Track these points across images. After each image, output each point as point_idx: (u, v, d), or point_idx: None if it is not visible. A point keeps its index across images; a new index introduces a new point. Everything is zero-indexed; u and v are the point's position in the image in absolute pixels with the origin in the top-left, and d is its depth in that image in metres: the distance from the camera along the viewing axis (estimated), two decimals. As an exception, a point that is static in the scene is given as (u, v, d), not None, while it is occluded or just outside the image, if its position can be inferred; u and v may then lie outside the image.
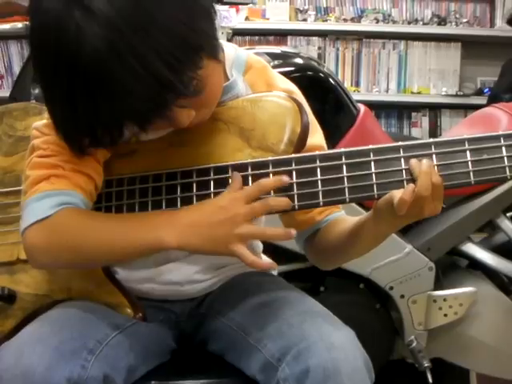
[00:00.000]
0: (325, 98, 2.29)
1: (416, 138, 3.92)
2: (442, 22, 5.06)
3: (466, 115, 4.86)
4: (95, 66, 1.09)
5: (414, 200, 1.18)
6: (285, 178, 1.23)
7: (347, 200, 1.24)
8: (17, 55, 4.96)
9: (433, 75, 5.10)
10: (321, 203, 1.25)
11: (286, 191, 1.24)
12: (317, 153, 1.26)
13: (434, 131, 5.10)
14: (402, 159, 1.22)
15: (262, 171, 1.26)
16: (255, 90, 1.39)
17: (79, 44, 1.08)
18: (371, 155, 1.23)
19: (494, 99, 3.71)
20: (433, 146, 1.23)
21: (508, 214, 2.44)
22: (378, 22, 5.06)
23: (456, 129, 2.90)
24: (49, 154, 1.30)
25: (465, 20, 5.07)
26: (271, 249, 1.62)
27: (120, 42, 1.08)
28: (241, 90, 1.38)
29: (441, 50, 5.08)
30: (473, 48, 5.04)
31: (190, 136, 1.31)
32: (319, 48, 5.09)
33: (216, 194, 1.26)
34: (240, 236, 1.21)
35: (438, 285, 2.42)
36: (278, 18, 5.04)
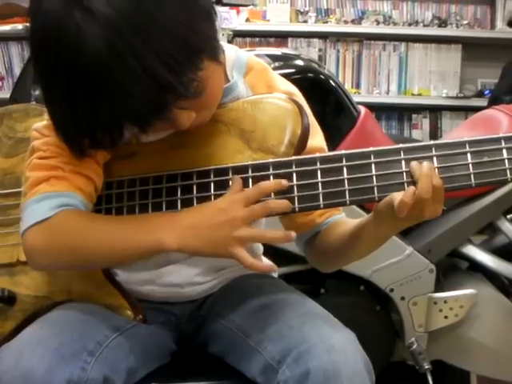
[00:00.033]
0: (325, 99, 2.29)
1: (417, 140, 3.92)
2: (443, 23, 5.06)
3: (466, 117, 4.86)
4: (95, 66, 1.09)
5: (414, 202, 1.18)
6: (284, 182, 1.23)
7: (348, 202, 1.24)
8: (17, 56, 4.96)
9: (433, 77, 5.10)
10: (321, 205, 1.25)
11: (286, 193, 1.24)
12: (317, 155, 1.26)
13: (434, 133, 5.10)
14: (403, 161, 1.22)
15: (262, 173, 1.26)
16: (256, 91, 1.39)
17: (79, 45, 1.08)
18: (372, 157, 1.23)
19: (494, 101, 3.70)
20: (433, 148, 1.22)
21: (508, 216, 2.44)
22: (378, 23, 5.06)
23: (456, 131, 2.89)
24: (49, 156, 1.30)
25: (465, 22, 5.07)
26: (272, 251, 1.61)
27: (120, 42, 1.08)
28: (241, 91, 1.38)
29: (441, 52, 5.08)
30: (473, 50, 5.04)
31: (191, 138, 1.31)
32: (320, 50, 5.09)
33: (216, 195, 1.26)
34: (239, 238, 1.20)
35: (439, 287, 2.42)
36: (279, 19, 5.04)
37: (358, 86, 5.14)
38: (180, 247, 1.22)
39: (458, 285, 2.45)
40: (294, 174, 1.25)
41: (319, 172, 1.24)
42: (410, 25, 5.11)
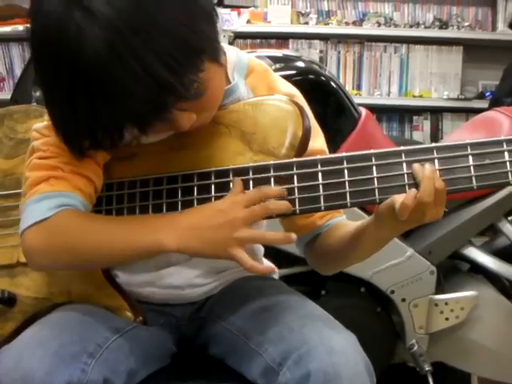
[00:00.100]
0: (326, 101, 2.29)
1: (418, 142, 3.92)
2: (444, 25, 5.06)
3: (467, 119, 4.87)
4: (95, 67, 1.09)
5: (416, 205, 1.18)
6: (285, 192, 1.23)
7: (349, 205, 1.24)
8: (18, 57, 4.96)
9: (434, 79, 5.09)
10: (322, 208, 1.24)
11: (287, 195, 1.24)
12: (318, 157, 1.26)
13: (435, 135, 5.10)
14: (404, 164, 1.22)
15: (263, 175, 1.26)
16: (257, 93, 1.39)
17: (79, 45, 1.08)
18: (373, 160, 1.23)
19: (495, 103, 3.71)
20: (435, 151, 1.22)
21: (509, 218, 2.44)
22: (379, 25, 5.06)
23: (457, 133, 2.89)
24: (48, 156, 1.30)
25: (466, 24, 5.06)
26: (272, 252, 1.61)
27: (120, 43, 1.08)
28: (242, 93, 1.37)
29: (442, 54, 5.08)
30: (474, 52, 5.04)
31: (191, 139, 1.31)
32: (321, 51, 5.09)
33: (217, 197, 1.26)
34: (239, 240, 1.20)
35: (440, 288, 2.42)
36: (280, 21, 5.03)
37: (358, 87, 5.14)
38: (179, 248, 1.21)
39: (458, 287, 2.45)
40: (295, 176, 1.25)
41: (320, 174, 1.24)
42: (411, 26, 5.11)
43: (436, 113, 5.12)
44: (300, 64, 2.39)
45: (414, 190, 1.18)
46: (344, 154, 1.25)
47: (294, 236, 1.21)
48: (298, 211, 1.24)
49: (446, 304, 2.39)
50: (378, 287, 2.37)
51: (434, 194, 1.18)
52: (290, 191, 1.24)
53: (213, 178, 1.28)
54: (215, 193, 1.27)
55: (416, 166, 1.21)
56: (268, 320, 1.30)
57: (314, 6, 5.17)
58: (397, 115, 5.17)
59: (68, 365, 1.15)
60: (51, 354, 1.15)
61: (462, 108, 5.00)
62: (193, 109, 1.21)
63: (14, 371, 1.15)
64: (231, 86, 1.37)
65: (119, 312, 1.34)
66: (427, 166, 1.20)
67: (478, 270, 2.51)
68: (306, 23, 5.08)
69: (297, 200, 1.24)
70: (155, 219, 1.26)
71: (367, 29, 5.05)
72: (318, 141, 1.39)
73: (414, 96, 5.09)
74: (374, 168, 1.23)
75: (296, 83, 1.46)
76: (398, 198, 1.19)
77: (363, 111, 2.41)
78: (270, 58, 2.16)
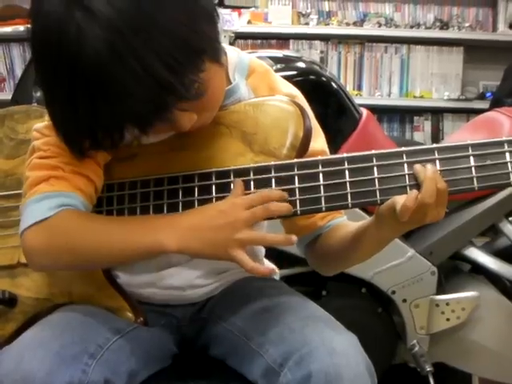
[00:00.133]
0: (327, 102, 2.29)
1: (418, 143, 3.92)
2: (445, 26, 5.06)
3: (468, 119, 4.87)
4: (96, 67, 1.09)
5: (417, 207, 1.17)
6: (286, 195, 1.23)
7: (350, 205, 1.23)
8: (19, 58, 4.97)
9: (435, 79, 5.09)
10: (323, 208, 1.24)
11: (288, 196, 1.23)
12: (319, 158, 1.26)
13: (436, 135, 5.10)
14: (405, 164, 1.22)
15: (264, 176, 1.25)
16: (258, 94, 1.38)
17: (80, 46, 1.08)
18: (374, 160, 1.23)
19: (496, 103, 3.71)
20: (436, 152, 1.22)
21: (510, 219, 2.43)
22: (380, 26, 5.06)
23: (458, 133, 2.90)
24: (49, 156, 1.30)
25: (467, 24, 5.07)
26: (273, 253, 1.61)
27: (121, 43, 1.08)
28: (243, 93, 1.37)
29: (443, 54, 5.08)
30: (475, 52, 5.04)
31: (192, 140, 1.31)
32: (321, 52, 5.09)
33: (218, 198, 1.26)
34: (240, 241, 1.20)
35: (441, 289, 2.42)
36: (281, 21, 5.04)
37: (359, 88, 5.14)
38: (179, 248, 1.21)
39: (460, 287, 2.45)
40: (296, 177, 1.24)
41: (321, 175, 1.24)
42: (411, 27, 5.11)
43: (437, 113, 5.12)
44: (301, 64, 2.39)
45: (415, 191, 1.18)
46: (345, 154, 1.25)
47: (294, 238, 1.21)
48: (298, 212, 1.24)
49: (447, 304, 2.39)
50: (378, 288, 2.37)
51: (436, 195, 1.18)
52: (291, 192, 1.24)
53: (213, 178, 1.28)
54: (216, 193, 1.27)
55: (418, 166, 1.21)
56: (269, 321, 1.30)
57: (315, 6, 5.17)
58: (397, 116, 5.17)
59: (69, 366, 1.15)
60: (52, 355, 1.15)
61: (462, 108, 5.00)
62: (193, 109, 1.21)
63: (14, 372, 1.15)
64: (232, 86, 1.36)
65: (120, 313, 1.34)
66: (429, 166, 1.20)
67: (479, 270, 2.51)
68: (307, 24, 5.08)
69: (298, 201, 1.24)
70: (155, 219, 1.26)
71: (368, 29, 5.05)
72: (318, 141, 1.39)
73: (414, 96, 5.09)
74: (375, 169, 1.23)
75: (297, 84, 1.46)
76: (399, 199, 1.18)
77: (364, 112, 2.41)
78: (271, 58, 2.17)
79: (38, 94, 2.59)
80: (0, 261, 1.46)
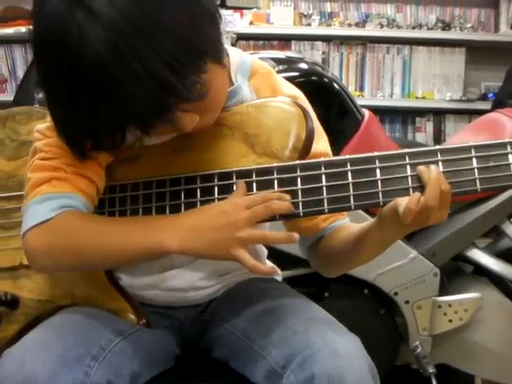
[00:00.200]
0: (329, 103, 2.29)
1: (421, 144, 3.92)
2: (447, 27, 5.06)
3: (470, 120, 4.87)
4: (97, 68, 1.09)
5: (420, 209, 1.17)
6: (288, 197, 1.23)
7: (352, 207, 1.23)
8: (20, 59, 4.97)
9: (437, 80, 5.10)
10: (326, 210, 1.24)
11: (290, 198, 1.23)
12: (322, 159, 1.26)
13: (438, 136, 5.10)
14: (408, 166, 1.22)
15: (266, 177, 1.25)
16: (260, 95, 1.38)
17: (81, 47, 1.08)
18: (377, 162, 1.23)
19: (498, 104, 3.70)
20: (439, 153, 1.22)
21: (513, 220, 2.43)
22: (382, 26, 5.07)
23: (461, 134, 2.89)
24: (50, 157, 1.29)
25: (469, 25, 5.07)
26: (276, 254, 1.61)
27: (123, 44, 1.08)
28: (245, 95, 1.37)
29: (445, 55, 5.08)
30: (477, 53, 5.04)
31: (194, 141, 1.31)
32: (323, 53, 5.10)
33: (220, 200, 1.26)
34: (241, 240, 1.20)
35: (443, 290, 2.42)
36: (282, 22, 5.04)
37: (361, 89, 5.14)
38: (181, 249, 1.21)
39: (462, 288, 2.45)
40: (299, 179, 1.24)
41: (324, 177, 1.24)
42: (413, 28, 5.11)
43: (439, 114, 5.13)
44: (303, 66, 2.39)
45: (417, 194, 1.18)
46: (348, 156, 1.24)
47: (296, 236, 1.21)
48: (301, 214, 1.24)
49: (450, 306, 2.39)
50: (381, 289, 2.37)
51: (439, 197, 1.18)
52: (294, 193, 1.24)
53: (216, 180, 1.28)
54: (218, 195, 1.27)
55: (422, 167, 1.20)
56: (272, 323, 1.29)
57: (317, 7, 5.17)
58: (399, 117, 5.17)
59: (71, 368, 1.15)
60: (55, 357, 1.15)
61: (464, 109, 5.01)
62: (195, 110, 1.21)
63: (16, 374, 1.14)
64: (234, 87, 1.36)
65: (122, 315, 1.34)
66: (433, 167, 1.20)
67: (481, 271, 2.51)
68: (309, 24, 5.09)
69: (300, 203, 1.24)
70: (157, 220, 1.26)
71: (370, 30, 5.05)
72: (321, 143, 1.39)
73: (416, 97, 5.09)
74: (378, 170, 1.22)
75: (299, 85, 1.45)
76: (402, 201, 1.18)
77: (366, 113, 2.41)
78: (273, 59, 2.17)
79: (40, 95, 2.59)
80: (2, 262, 1.46)
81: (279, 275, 1.58)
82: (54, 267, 1.31)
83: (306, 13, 5.13)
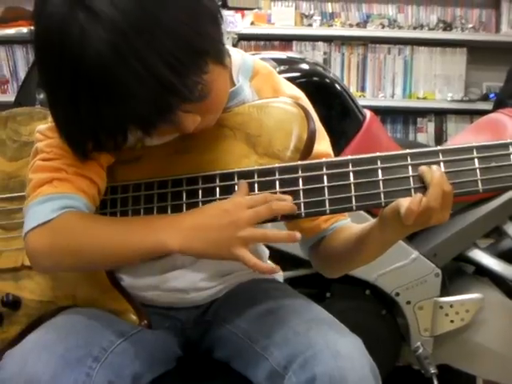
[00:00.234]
0: (331, 103, 2.28)
1: (422, 144, 3.92)
2: (448, 27, 5.06)
3: (471, 121, 4.87)
4: (99, 69, 1.09)
5: (422, 210, 1.17)
6: (289, 198, 1.23)
7: (354, 208, 1.23)
8: (22, 60, 4.97)
9: (438, 80, 5.10)
10: (327, 211, 1.24)
11: (292, 199, 1.23)
12: (323, 160, 1.26)
13: (439, 137, 5.10)
14: (410, 167, 1.22)
15: (268, 178, 1.25)
16: (262, 95, 1.38)
17: (83, 47, 1.08)
18: (378, 163, 1.23)
19: (499, 105, 3.70)
20: (440, 154, 1.22)
21: (515, 220, 2.43)
22: (383, 27, 5.07)
23: (462, 135, 2.89)
24: (52, 158, 1.29)
25: (470, 25, 5.07)
26: (277, 255, 1.61)
27: (124, 45, 1.08)
28: (247, 95, 1.37)
29: (446, 56, 5.08)
30: (478, 53, 5.04)
31: (196, 142, 1.31)
32: (325, 53, 5.10)
33: (222, 200, 1.25)
34: (243, 239, 1.19)
35: (445, 291, 2.41)
36: (284, 23, 5.04)
37: (363, 89, 5.14)
38: (182, 248, 1.21)
39: (464, 289, 2.45)
40: (300, 179, 1.24)
41: (325, 177, 1.24)
42: (414, 28, 5.11)
43: (440, 114, 5.12)
44: (304, 66, 2.39)
45: (419, 195, 1.17)
46: (349, 156, 1.24)
47: (298, 235, 1.20)
48: (303, 214, 1.24)
49: (451, 306, 2.39)
50: (382, 290, 2.36)
51: (441, 198, 1.17)
52: (296, 194, 1.23)
53: (218, 180, 1.28)
54: (220, 196, 1.27)
55: (424, 168, 1.20)
56: (273, 323, 1.29)
57: (318, 7, 5.17)
58: (401, 117, 5.17)
59: (73, 369, 1.15)
60: (57, 358, 1.15)
61: (466, 110, 5.01)
62: (197, 111, 1.21)
63: (18, 375, 1.14)
64: (236, 88, 1.36)
65: (124, 315, 1.34)
66: (435, 168, 1.20)
67: (483, 272, 2.50)
68: (310, 25, 5.09)
69: (302, 203, 1.23)
70: (158, 220, 1.26)
71: (371, 30, 5.06)
72: (323, 144, 1.39)
73: (418, 98, 5.09)
74: (380, 171, 1.22)
75: (300, 85, 1.45)
76: (404, 202, 1.18)
77: (368, 113, 2.41)
78: (275, 60, 2.17)
79: (41, 95, 2.59)
80: (4, 263, 1.46)
81: (280, 275, 1.58)
82: (56, 267, 1.31)
83: (307, 13, 5.13)
